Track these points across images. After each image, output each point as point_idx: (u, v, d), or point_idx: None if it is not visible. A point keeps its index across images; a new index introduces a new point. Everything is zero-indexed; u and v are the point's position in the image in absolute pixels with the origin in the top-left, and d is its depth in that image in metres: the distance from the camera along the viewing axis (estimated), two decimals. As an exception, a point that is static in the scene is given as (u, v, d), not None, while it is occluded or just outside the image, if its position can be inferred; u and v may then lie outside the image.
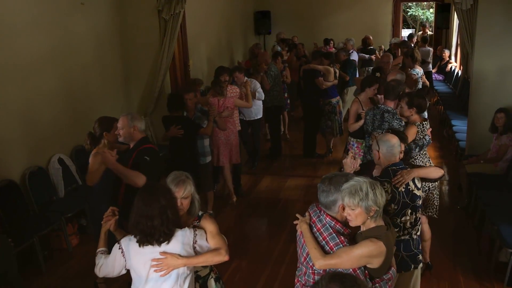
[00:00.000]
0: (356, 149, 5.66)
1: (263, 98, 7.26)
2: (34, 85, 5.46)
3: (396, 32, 13.21)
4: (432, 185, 4.31)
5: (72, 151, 6.01)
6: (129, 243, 2.66)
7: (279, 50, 10.02)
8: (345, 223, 2.67)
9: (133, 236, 2.64)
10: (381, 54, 9.54)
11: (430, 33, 14.63)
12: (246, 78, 6.90)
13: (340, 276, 1.86)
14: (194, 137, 5.49)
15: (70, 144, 5.99)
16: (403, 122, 4.43)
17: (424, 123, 4.42)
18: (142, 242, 2.59)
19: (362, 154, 5.33)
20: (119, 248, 2.69)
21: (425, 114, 5.42)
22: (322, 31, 12.34)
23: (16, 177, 5.20)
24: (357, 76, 9.38)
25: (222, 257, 2.74)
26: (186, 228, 2.70)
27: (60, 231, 5.25)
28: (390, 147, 3.26)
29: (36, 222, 5.03)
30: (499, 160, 5.74)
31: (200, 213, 2.93)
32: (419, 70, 6.91)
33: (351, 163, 3.26)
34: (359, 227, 2.66)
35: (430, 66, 11.28)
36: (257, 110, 7.28)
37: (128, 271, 2.75)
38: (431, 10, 19.61)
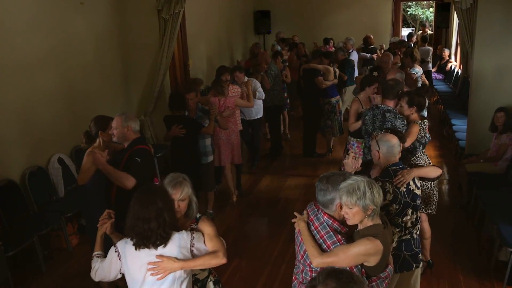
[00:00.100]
0: (356, 148, 5.66)
1: (263, 98, 7.27)
2: (34, 85, 5.46)
3: (396, 32, 13.21)
4: (434, 182, 4.33)
5: (72, 150, 6.01)
6: (125, 246, 2.62)
7: (278, 49, 10.01)
8: (342, 221, 2.68)
9: (129, 239, 2.60)
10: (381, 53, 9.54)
11: (430, 32, 14.62)
12: (247, 78, 6.91)
13: (337, 272, 1.88)
14: (195, 136, 5.48)
15: (70, 144, 6.00)
16: (405, 122, 4.43)
17: (424, 121, 4.43)
18: (138, 245, 2.56)
19: (362, 153, 5.33)
20: (115, 251, 2.65)
21: (425, 112, 5.43)
22: (322, 31, 12.34)
23: (16, 177, 5.20)
24: (356, 75, 9.37)
25: (219, 260, 2.71)
26: (184, 231, 2.67)
27: (60, 231, 5.25)
28: (391, 147, 3.26)
29: (36, 222, 5.03)
30: (499, 159, 5.74)
31: (198, 215, 2.89)
32: (418, 70, 6.91)
33: (352, 163, 3.26)
34: (356, 225, 2.67)
35: (430, 65, 11.28)
36: (257, 109, 7.29)
37: (123, 275, 2.70)
38: (431, 9, 19.61)
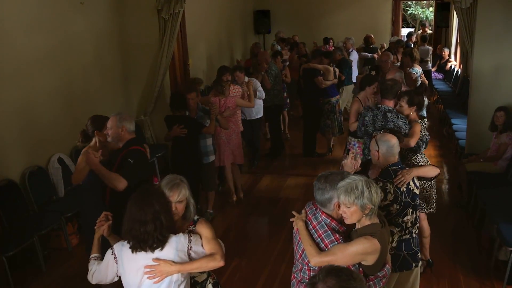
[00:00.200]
0: (357, 148, 5.65)
1: (263, 97, 7.27)
2: (34, 85, 5.46)
3: (395, 31, 13.20)
4: (433, 181, 4.34)
5: (72, 150, 6.00)
6: (122, 249, 2.59)
7: (278, 49, 10.02)
8: (340, 220, 2.68)
9: (126, 241, 2.57)
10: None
11: (430, 31, 14.61)
12: (248, 78, 6.90)
13: (337, 270, 1.90)
14: (197, 136, 5.48)
15: (70, 144, 5.99)
16: (407, 121, 4.44)
17: (423, 120, 4.45)
18: (135, 248, 2.52)
19: (362, 154, 5.33)
20: (112, 254, 2.62)
21: (424, 112, 5.43)
22: (322, 30, 12.34)
23: (16, 177, 5.21)
24: (356, 75, 9.37)
25: (217, 262, 2.66)
26: (181, 234, 2.62)
27: (60, 230, 5.26)
28: (390, 147, 3.27)
29: (36, 222, 5.03)
30: (499, 158, 5.74)
31: (195, 217, 2.84)
32: (418, 69, 6.91)
33: (351, 163, 3.26)
34: (354, 224, 2.68)
35: (430, 65, 11.28)
36: (257, 109, 7.29)
37: (119, 278, 2.68)
38: (431, 8, 19.61)
